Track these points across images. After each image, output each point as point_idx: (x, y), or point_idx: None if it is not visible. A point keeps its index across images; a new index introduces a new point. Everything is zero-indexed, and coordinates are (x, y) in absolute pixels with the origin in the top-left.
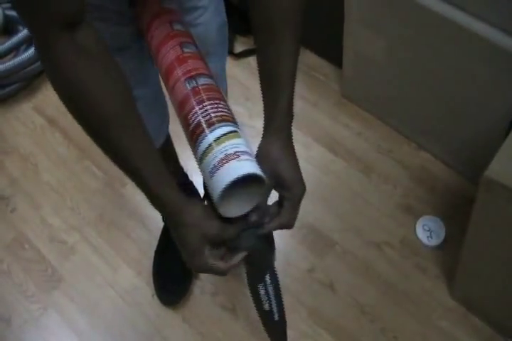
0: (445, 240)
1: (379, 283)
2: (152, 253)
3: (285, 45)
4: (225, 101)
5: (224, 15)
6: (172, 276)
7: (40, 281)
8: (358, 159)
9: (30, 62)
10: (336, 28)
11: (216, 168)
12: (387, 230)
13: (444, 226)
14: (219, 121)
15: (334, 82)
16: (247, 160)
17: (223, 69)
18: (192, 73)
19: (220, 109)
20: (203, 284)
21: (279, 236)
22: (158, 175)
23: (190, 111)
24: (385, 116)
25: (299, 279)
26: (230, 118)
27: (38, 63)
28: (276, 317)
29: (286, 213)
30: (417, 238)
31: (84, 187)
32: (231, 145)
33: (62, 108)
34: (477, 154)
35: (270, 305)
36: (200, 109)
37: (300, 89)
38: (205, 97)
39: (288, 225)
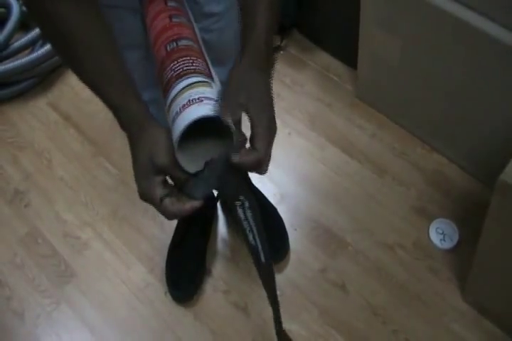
0: (458, 243)
1: (391, 285)
2: (165, 251)
3: None
4: (205, 61)
5: None
6: (184, 274)
7: (53, 276)
8: (371, 160)
9: (46, 58)
10: (351, 29)
11: (177, 114)
12: (401, 232)
13: (458, 229)
14: (190, 73)
15: (348, 83)
16: (209, 104)
17: None
18: (174, 37)
19: (194, 64)
20: (216, 282)
21: (292, 237)
22: (125, 87)
23: (165, 69)
24: (399, 118)
25: (311, 279)
26: (203, 72)
27: (54, 59)
28: (262, 258)
29: (256, 143)
30: (430, 240)
31: (98, 183)
32: (197, 92)
33: (78, 104)
34: (491, 157)
35: (254, 239)
36: (174, 65)
37: (314, 89)
38: (180, 55)
39: (257, 166)
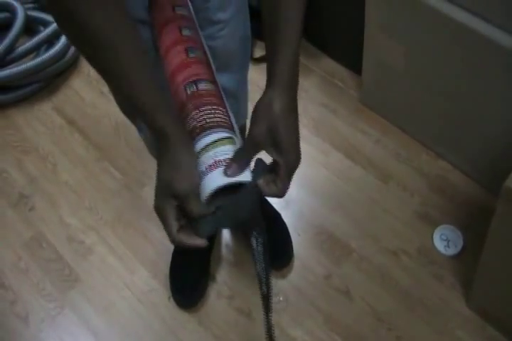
0: (462, 249)
1: (395, 291)
2: (169, 256)
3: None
4: (224, 106)
5: (248, 29)
6: (189, 279)
7: (57, 280)
8: (376, 166)
9: (51, 62)
10: (356, 35)
11: (204, 174)
12: (405, 238)
13: (462, 235)
14: (213, 127)
15: (353, 89)
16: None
17: (244, 78)
18: (193, 78)
19: (216, 115)
20: (220, 287)
21: (296, 242)
22: (157, 102)
23: (188, 116)
24: (403, 124)
25: (315, 285)
26: (226, 124)
27: (59, 63)
28: (263, 288)
29: (278, 181)
30: (434, 247)
31: (103, 187)
32: (222, 152)
33: (82, 108)
34: (496, 163)
35: (260, 269)
36: (196, 114)
37: (319, 95)
38: (202, 102)
39: (279, 194)
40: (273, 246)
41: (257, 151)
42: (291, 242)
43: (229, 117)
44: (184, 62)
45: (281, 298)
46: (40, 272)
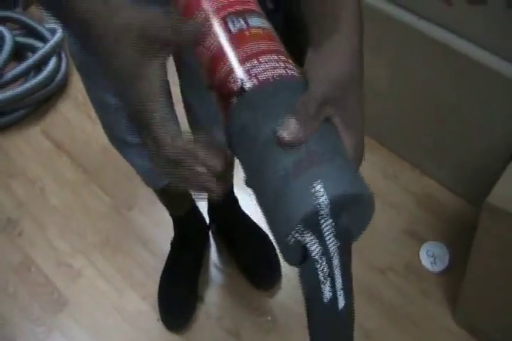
0: (449, 265)
1: (383, 308)
2: (158, 278)
3: None
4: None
5: None
6: (177, 300)
7: (45, 304)
8: None
9: (39, 87)
10: None
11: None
12: (391, 255)
13: (448, 251)
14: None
15: None
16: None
17: None
18: (238, 8)
19: (288, 71)
20: (208, 308)
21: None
22: None
23: (229, 75)
24: (390, 142)
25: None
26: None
27: (47, 89)
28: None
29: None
30: (421, 263)
31: (91, 210)
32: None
33: (70, 132)
34: (482, 180)
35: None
36: (255, 65)
37: None
38: (261, 50)
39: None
40: (260, 265)
41: (322, 112)
42: (279, 261)
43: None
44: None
45: (269, 318)
46: (29, 296)
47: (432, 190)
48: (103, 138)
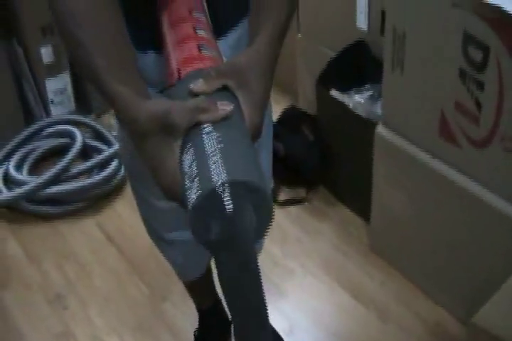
0: None
1: None
2: None
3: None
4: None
5: (270, 169)
6: None
7: None
8: (377, 307)
9: (99, 185)
10: (367, 187)
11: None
12: None
13: None
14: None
15: (364, 236)
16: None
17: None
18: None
19: None
20: None
21: None
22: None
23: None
24: (406, 269)
25: None
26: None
27: (106, 186)
28: None
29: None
30: None
31: (130, 297)
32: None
33: (122, 228)
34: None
35: None
36: None
37: (333, 239)
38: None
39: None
40: None
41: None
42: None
43: None
44: (195, 56)
45: None
46: None
47: (442, 319)
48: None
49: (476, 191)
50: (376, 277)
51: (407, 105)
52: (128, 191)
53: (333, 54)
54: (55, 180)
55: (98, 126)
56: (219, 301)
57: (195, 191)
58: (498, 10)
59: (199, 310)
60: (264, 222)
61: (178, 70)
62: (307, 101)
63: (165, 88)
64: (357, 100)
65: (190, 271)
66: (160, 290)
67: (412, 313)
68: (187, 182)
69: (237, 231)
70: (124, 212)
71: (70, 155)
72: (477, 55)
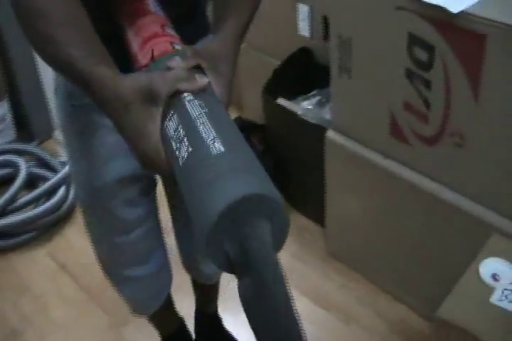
0: None
1: None
2: None
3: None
4: None
5: None
6: None
7: None
8: (339, 309)
9: (47, 213)
10: (320, 194)
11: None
12: None
13: None
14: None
15: (321, 241)
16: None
17: None
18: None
19: None
20: None
21: None
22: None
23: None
24: (365, 271)
25: None
26: None
27: (54, 215)
28: None
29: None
30: None
31: (89, 325)
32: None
33: (73, 255)
34: None
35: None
36: None
37: (291, 246)
38: None
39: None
40: None
41: (203, 57)
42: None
43: None
44: (159, 33)
45: None
46: None
47: (404, 315)
48: None
49: (430, 188)
50: (336, 280)
51: (357, 108)
52: (77, 217)
53: (277, 62)
54: (2, 212)
55: (42, 153)
56: (183, 324)
57: (185, 149)
58: (440, 11)
59: (162, 336)
60: (280, 234)
61: (152, 51)
62: (253, 112)
63: (138, 69)
64: (305, 106)
65: (151, 304)
66: (119, 316)
67: (374, 313)
68: (174, 144)
69: (253, 248)
70: (76, 239)
71: (15, 186)
72: (423, 55)
